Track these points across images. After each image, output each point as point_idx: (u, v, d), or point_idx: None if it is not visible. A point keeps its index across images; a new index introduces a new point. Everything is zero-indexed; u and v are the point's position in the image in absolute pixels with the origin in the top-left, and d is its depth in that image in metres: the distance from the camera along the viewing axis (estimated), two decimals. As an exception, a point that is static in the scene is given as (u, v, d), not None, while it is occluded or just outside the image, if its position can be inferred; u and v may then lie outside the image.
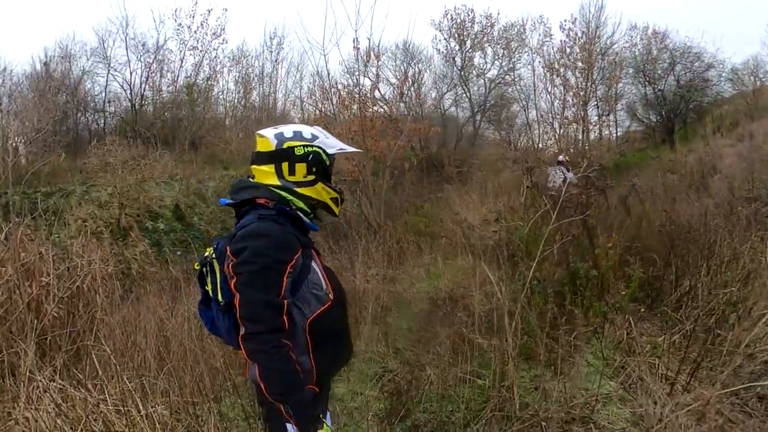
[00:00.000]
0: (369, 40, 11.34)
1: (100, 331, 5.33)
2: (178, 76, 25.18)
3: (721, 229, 6.90)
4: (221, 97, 28.07)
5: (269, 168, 2.42)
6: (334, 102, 13.01)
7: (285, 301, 2.19)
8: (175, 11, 25.16)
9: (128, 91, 24.17)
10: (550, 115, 25.50)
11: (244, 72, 28.15)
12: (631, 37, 25.44)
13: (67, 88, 23.01)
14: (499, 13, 27.41)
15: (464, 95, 27.72)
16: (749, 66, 23.92)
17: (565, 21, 24.66)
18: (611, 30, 25.11)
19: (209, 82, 26.32)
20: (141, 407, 3.52)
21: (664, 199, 10.48)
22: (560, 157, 14.18)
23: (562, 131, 24.73)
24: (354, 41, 11.56)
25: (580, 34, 24.54)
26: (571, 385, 4.07)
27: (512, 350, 4.04)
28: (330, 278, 2.45)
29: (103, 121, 24.85)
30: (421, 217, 12.16)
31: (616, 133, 27.40)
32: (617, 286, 5.82)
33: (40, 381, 3.88)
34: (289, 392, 2.14)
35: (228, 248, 2.26)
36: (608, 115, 26.23)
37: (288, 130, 2.46)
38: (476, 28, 27.10)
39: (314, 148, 2.43)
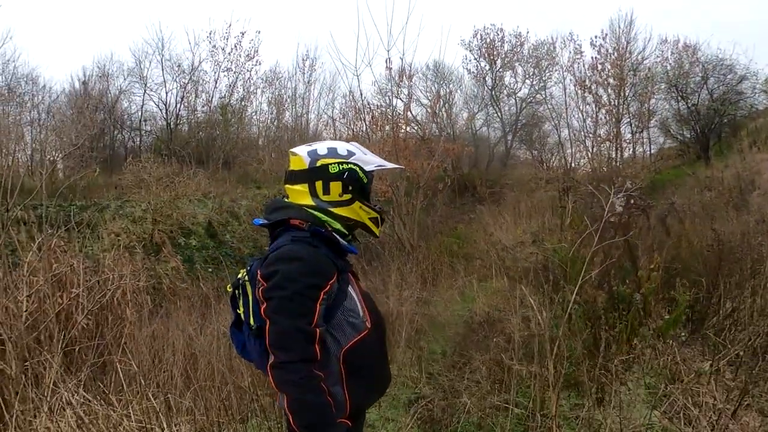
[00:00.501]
0: (401, 60, 11.29)
1: (127, 346, 5.29)
2: (212, 97, 25.61)
3: (764, 247, 6.69)
4: (254, 117, 28.48)
5: (303, 187, 2.31)
6: (367, 122, 12.96)
7: (317, 329, 2.08)
8: (210, 33, 25.45)
9: (164, 111, 24.63)
10: (582, 133, 25.23)
11: (277, 93, 28.51)
12: (662, 51, 25.01)
13: (105, 107, 23.52)
14: (528, 32, 27.43)
15: (495, 115, 27.65)
16: (784, 76, 23.15)
17: (596, 37, 24.46)
18: (642, 45, 24.83)
19: (243, 103, 26.73)
20: (165, 425, 3.46)
21: (703, 217, 10.20)
22: (627, 183, 14.02)
23: (594, 150, 24.41)
24: (386, 61, 11.53)
25: (611, 50, 24.30)
26: (615, 416, 3.90)
27: (553, 378, 3.88)
28: (367, 304, 2.33)
29: (139, 139, 25.34)
30: (454, 238, 12.01)
31: (650, 150, 26.95)
32: (659, 310, 5.64)
33: (64, 393, 3.85)
34: (319, 426, 2.02)
35: (259, 272, 2.16)
36: (642, 132, 25.84)
37: (322, 147, 2.35)
38: (506, 47, 27.11)
39: (350, 165, 2.30)
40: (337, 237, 2.29)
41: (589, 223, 5.55)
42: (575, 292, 4.27)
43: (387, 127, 12.27)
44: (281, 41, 51.88)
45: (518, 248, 9.17)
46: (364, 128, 13.27)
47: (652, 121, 25.85)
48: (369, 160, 2.37)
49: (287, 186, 2.36)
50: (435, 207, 15.44)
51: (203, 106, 25.72)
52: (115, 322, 5.67)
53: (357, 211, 2.35)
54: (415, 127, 19.11)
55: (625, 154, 24.99)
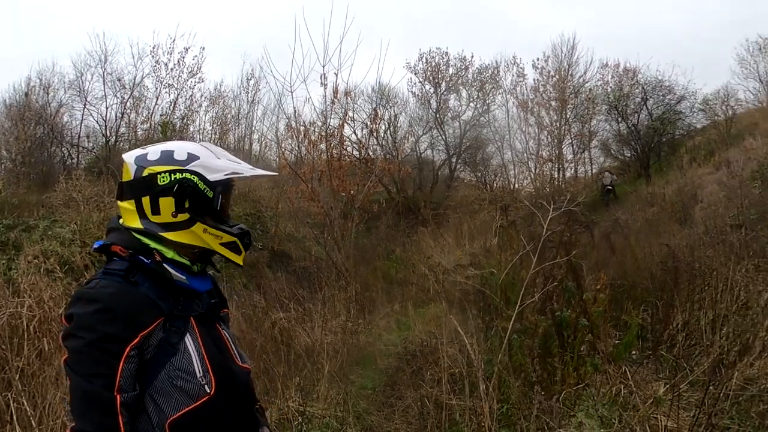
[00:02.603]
0: (336, 75, 10.75)
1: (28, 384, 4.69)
2: (152, 113, 24.60)
3: (712, 259, 6.45)
4: (197, 136, 27.33)
5: (130, 204, 1.73)
6: (302, 141, 12.36)
7: (119, 395, 1.50)
8: (153, 48, 24.37)
9: (103, 127, 23.56)
10: (525, 154, 25.31)
11: (220, 112, 27.65)
12: (603, 75, 25.53)
13: (45, 120, 22.43)
14: (473, 56, 27.02)
15: (440, 138, 27.39)
16: (720, 95, 23.64)
17: (538, 59, 24.74)
18: (583, 68, 25.23)
19: (185, 121, 25.73)
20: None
21: (647, 232, 9.97)
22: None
23: (537, 171, 24.46)
24: (321, 77, 11.00)
25: (552, 72, 24.53)
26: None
27: (489, 421, 3.31)
28: (215, 360, 1.71)
29: (77, 155, 24.15)
30: (392, 261, 11.47)
31: (592, 170, 27.26)
32: (608, 330, 5.21)
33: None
34: None
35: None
36: (583, 152, 26.11)
37: (156, 150, 1.77)
38: (451, 70, 26.94)
39: (184, 175, 1.70)
40: (171, 270, 1.69)
41: (526, 242, 5.03)
42: (513, 319, 3.74)
43: (321, 145, 11.65)
44: (228, 59, 50.87)
45: (458, 271, 8.65)
46: (300, 148, 12.70)
47: (593, 142, 26.23)
48: (219, 167, 1.75)
49: (118, 202, 1.77)
50: (377, 230, 14.91)
51: (143, 123, 24.69)
52: (31, 352, 5.11)
53: (200, 236, 1.73)
54: (354, 144, 18.68)
55: (567, 174, 25.21)
